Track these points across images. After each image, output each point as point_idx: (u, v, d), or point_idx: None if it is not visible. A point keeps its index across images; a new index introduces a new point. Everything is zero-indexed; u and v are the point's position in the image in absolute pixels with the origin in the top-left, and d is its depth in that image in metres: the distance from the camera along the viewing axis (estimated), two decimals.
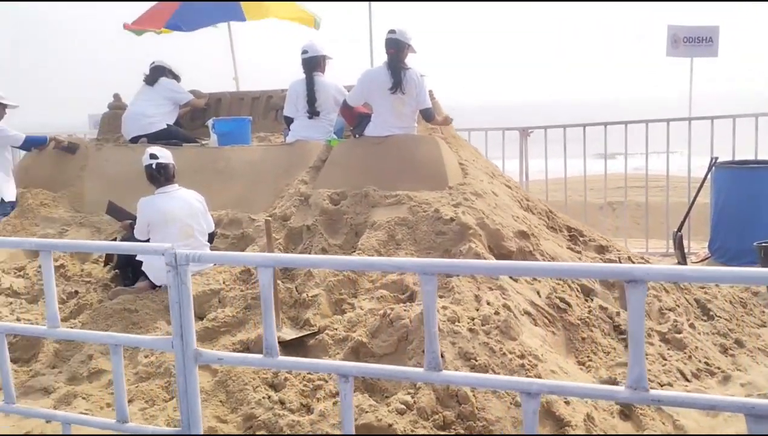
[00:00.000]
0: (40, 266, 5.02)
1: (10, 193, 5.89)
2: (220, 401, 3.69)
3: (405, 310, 4.01)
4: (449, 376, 2.03)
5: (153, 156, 4.75)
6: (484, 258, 4.56)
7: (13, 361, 4.25)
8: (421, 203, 5.01)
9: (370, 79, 5.43)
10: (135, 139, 6.41)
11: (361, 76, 5.51)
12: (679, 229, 6.86)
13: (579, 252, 5.49)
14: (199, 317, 4.54)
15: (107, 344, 2.41)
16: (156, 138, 6.36)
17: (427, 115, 5.65)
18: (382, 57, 5.45)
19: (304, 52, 5.94)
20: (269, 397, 3.60)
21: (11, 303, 4.72)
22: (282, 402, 3.58)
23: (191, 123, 7.04)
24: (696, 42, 9.30)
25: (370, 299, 4.35)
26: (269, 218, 4.21)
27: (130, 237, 4.92)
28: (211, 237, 4.97)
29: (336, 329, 4.08)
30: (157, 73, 6.57)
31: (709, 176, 7.05)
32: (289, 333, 4.11)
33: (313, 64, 5.95)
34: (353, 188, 5.30)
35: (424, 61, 5.69)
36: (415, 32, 5.58)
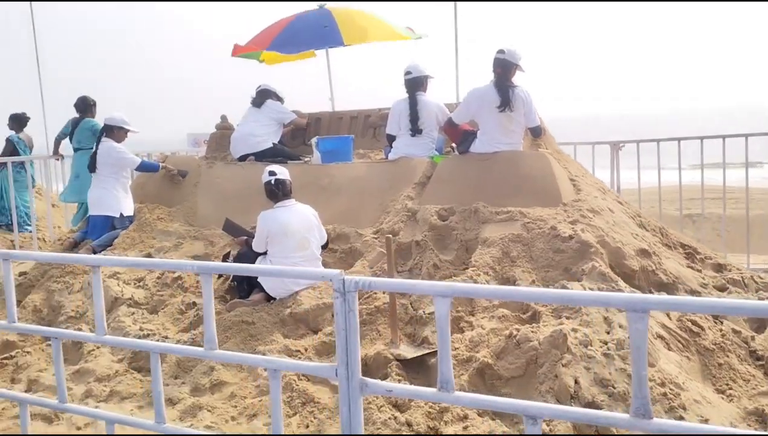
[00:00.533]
0: (158, 277, 5.07)
1: (128, 209, 6.03)
2: None
3: (533, 331, 3.74)
4: (662, 424, 1.71)
5: (272, 172, 4.74)
6: (609, 278, 4.24)
7: (137, 370, 4.25)
8: (535, 220, 4.74)
9: (478, 97, 5.26)
10: (243, 158, 6.46)
11: (468, 94, 5.35)
12: None
13: (699, 271, 5.04)
14: (314, 331, 4.42)
15: (267, 368, 2.25)
16: (263, 156, 6.38)
17: (536, 132, 5.43)
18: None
19: (408, 73, 5.85)
20: (395, 418, 3.40)
21: (133, 313, 4.75)
22: (409, 424, 3.36)
23: (292, 141, 7.05)
24: None
25: (490, 318, 4.11)
26: (390, 236, 4.06)
27: (245, 252, 4.89)
28: (325, 246, 4.89)
29: (457, 348, 3.84)
30: (264, 96, 6.64)
31: None
32: (409, 351, 3.91)
33: (416, 84, 5.85)
34: (461, 204, 5.10)
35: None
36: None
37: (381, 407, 3.49)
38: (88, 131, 7.52)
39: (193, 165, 6.44)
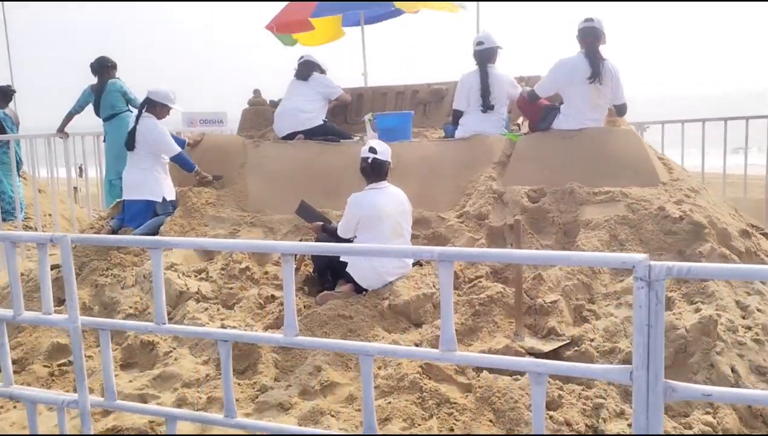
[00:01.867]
0: (223, 269, 4.72)
1: (171, 192, 5.60)
2: (490, 421, 3.28)
3: (677, 319, 3.57)
4: None
5: (372, 150, 4.40)
6: (732, 260, 4.11)
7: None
8: (639, 200, 4.57)
9: (569, 68, 5.04)
10: (290, 136, 6.09)
11: (556, 65, 5.12)
12: None
13: None
14: (415, 324, 4.16)
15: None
16: (312, 134, 6.04)
17: (622, 110, 5.27)
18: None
19: (479, 43, 5.56)
20: (550, 417, 3.19)
21: (207, 309, 4.39)
22: (568, 423, 3.16)
23: (332, 118, 6.69)
24: None
25: (618, 305, 3.92)
26: (519, 218, 3.80)
27: (324, 240, 4.56)
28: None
29: (593, 340, 3.65)
30: (309, 68, 6.26)
31: None
32: (541, 344, 3.69)
33: (488, 55, 5.58)
34: (551, 185, 4.89)
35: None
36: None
37: (530, 405, 3.27)
38: (118, 93, 6.98)
39: (237, 144, 6.03)
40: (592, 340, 3.65)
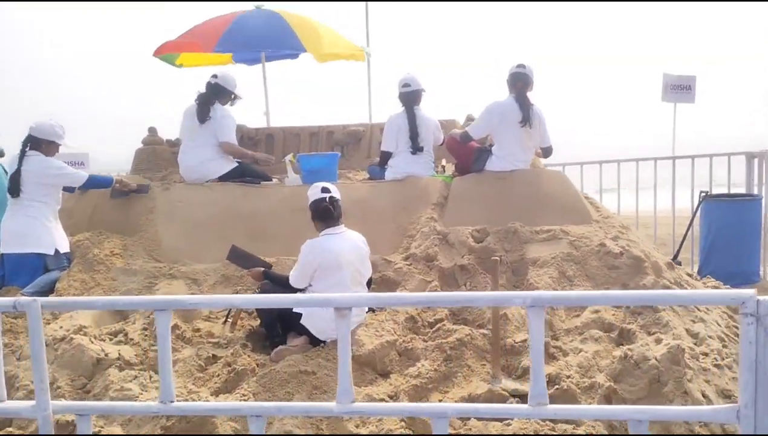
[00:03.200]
0: (144, 329, 4.21)
1: (64, 243, 4.90)
2: None
3: (647, 350, 3.72)
4: None
5: (325, 190, 4.16)
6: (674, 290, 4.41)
7: None
8: (580, 238, 4.78)
9: (500, 111, 5.24)
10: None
11: (488, 108, 5.29)
12: (674, 257, 6.99)
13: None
14: (381, 375, 3.95)
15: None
16: (228, 178, 5.64)
17: (548, 152, 5.56)
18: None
19: (406, 85, 5.62)
20: None
21: (136, 377, 3.82)
22: None
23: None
24: (678, 89, 10.01)
25: (583, 341, 4.01)
26: (497, 258, 3.77)
27: (270, 290, 4.21)
28: (369, 284, 4.39)
29: (570, 376, 3.68)
30: (208, 102, 5.62)
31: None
32: (525, 384, 3.64)
33: (414, 97, 5.65)
34: (492, 225, 4.98)
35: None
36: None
37: None
38: None
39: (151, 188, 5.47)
40: (569, 377, 3.68)
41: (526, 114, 5.21)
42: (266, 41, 6.63)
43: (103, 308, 3.57)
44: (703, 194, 7.32)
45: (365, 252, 4.23)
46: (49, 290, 4.64)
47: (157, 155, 6.31)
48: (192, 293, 4.67)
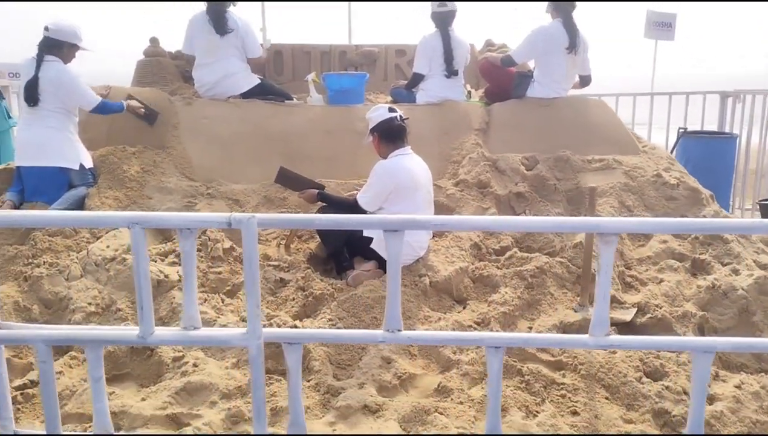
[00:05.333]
0: (199, 250, 3.86)
1: (87, 158, 4.36)
2: (606, 398, 3.10)
3: (734, 280, 3.74)
4: None
5: (392, 109, 3.85)
6: None
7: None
8: (633, 168, 4.71)
9: (547, 36, 4.99)
10: None
11: (535, 32, 5.03)
12: None
13: None
14: (458, 301, 3.80)
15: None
16: (249, 95, 5.16)
17: (587, 81, 5.37)
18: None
19: (442, 4, 5.25)
20: (667, 387, 3.12)
21: (206, 300, 3.49)
22: (686, 392, 3.11)
23: None
24: (660, 26, 10.08)
25: (660, 270, 3.99)
26: (594, 186, 3.61)
27: (330, 211, 3.93)
28: None
29: (660, 306, 3.65)
30: (222, 11, 5.06)
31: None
32: (623, 314, 3.59)
33: (449, 17, 5.29)
34: (537, 152, 4.83)
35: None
36: None
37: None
38: None
39: (161, 101, 4.89)
40: (659, 306, 3.65)
41: (573, 40, 5.00)
42: None
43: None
44: (682, 131, 7.45)
45: (430, 175, 4.00)
46: (77, 207, 4.15)
47: (162, 68, 5.70)
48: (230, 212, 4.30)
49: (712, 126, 8.04)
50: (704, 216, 4.39)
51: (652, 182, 4.59)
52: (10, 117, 5.84)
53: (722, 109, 7.75)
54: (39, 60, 4.17)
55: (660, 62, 9.74)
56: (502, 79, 5.28)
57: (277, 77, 6.01)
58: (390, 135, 3.82)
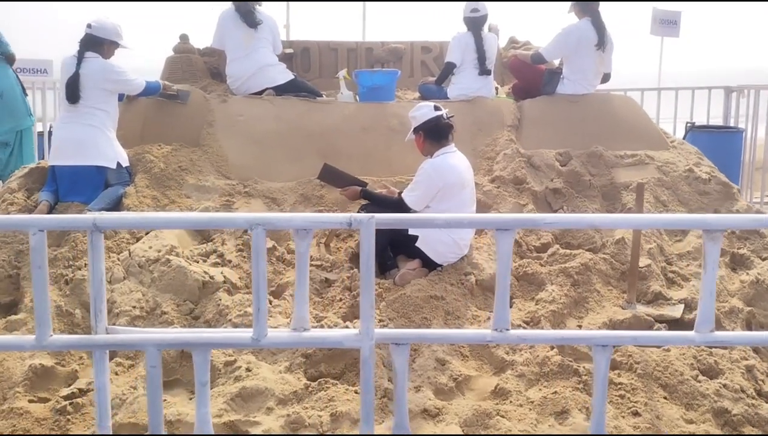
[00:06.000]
0: (240, 250, 3.72)
1: (125, 156, 4.21)
2: (664, 398, 2.97)
3: None
4: None
5: (437, 108, 3.71)
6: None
7: (318, 377, 3.03)
8: (666, 163, 4.59)
9: (578, 34, 4.89)
10: (256, 94, 4.99)
11: (566, 31, 4.94)
12: None
13: None
14: None
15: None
16: (283, 90, 5.02)
17: (608, 78, 5.26)
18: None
19: (474, 10, 5.17)
20: (724, 385, 2.99)
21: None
22: (743, 390, 2.99)
23: None
24: (665, 23, 9.93)
25: (700, 266, 3.84)
26: (642, 182, 3.48)
27: (373, 211, 3.77)
28: None
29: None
30: (249, 6, 5.03)
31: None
32: (672, 310, 3.47)
33: (482, 21, 5.21)
34: (570, 148, 4.69)
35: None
36: None
37: None
38: None
39: (196, 98, 4.75)
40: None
41: (602, 38, 4.88)
42: None
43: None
44: (690, 125, 7.34)
45: (472, 170, 3.86)
46: (114, 206, 4.00)
47: (192, 65, 5.52)
48: (269, 211, 4.15)
49: (717, 120, 7.91)
50: (737, 211, 4.26)
51: (684, 177, 4.48)
52: (31, 114, 5.67)
53: (726, 104, 7.63)
54: (80, 57, 4.04)
55: (666, 58, 9.57)
56: (531, 76, 5.16)
57: (304, 74, 5.84)
58: (436, 133, 3.69)
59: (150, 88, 4.33)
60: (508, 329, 1.56)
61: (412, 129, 3.80)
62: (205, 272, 3.47)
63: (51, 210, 3.96)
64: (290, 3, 6.72)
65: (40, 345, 1.43)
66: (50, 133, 6.45)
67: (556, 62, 5.31)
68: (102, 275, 1.44)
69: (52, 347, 1.45)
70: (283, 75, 5.07)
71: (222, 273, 3.51)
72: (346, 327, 3.17)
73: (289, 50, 5.79)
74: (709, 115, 7.93)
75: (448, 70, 5.23)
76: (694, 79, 9.64)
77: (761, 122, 7.10)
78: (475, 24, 5.18)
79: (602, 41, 4.88)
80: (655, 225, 1.57)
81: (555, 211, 4.29)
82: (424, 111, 3.73)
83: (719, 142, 7.11)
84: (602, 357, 1.61)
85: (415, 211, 3.69)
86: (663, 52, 9.75)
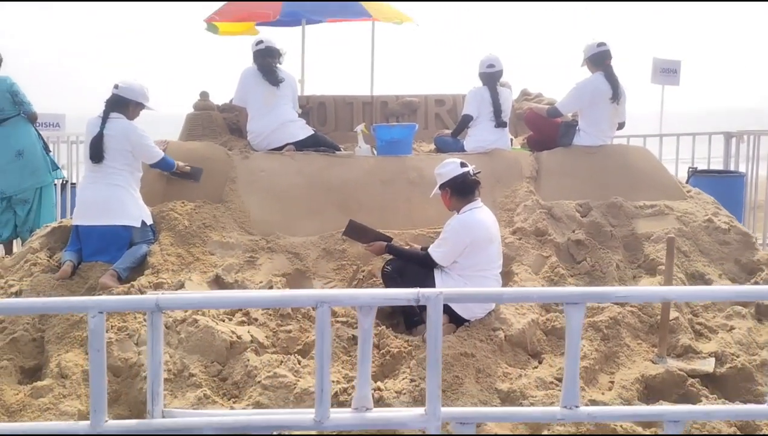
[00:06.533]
0: (267, 308, 3.65)
1: (148, 214, 4.19)
2: None
3: None
4: None
5: (464, 164, 3.71)
6: None
7: None
8: (685, 213, 4.56)
9: (592, 88, 4.95)
10: (277, 150, 5.02)
11: (580, 85, 5.00)
12: None
13: None
14: (532, 355, 3.58)
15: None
16: (303, 145, 5.04)
17: (622, 126, 5.29)
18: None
19: (490, 66, 5.24)
20: None
21: (282, 362, 3.26)
22: None
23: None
24: (666, 72, 10.07)
25: (727, 316, 3.80)
26: (673, 236, 3.44)
27: (400, 266, 3.73)
28: None
29: (737, 355, 3.44)
30: (273, 61, 5.14)
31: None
32: (701, 363, 3.38)
33: (498, 77, 5.28)
34: (589, 199, 4.67)
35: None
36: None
37: None
38: (7, 93, 5.12)
39: (218, 155, 4.75)
40: (735, 355, 3.44)
41: (616, 91, 4.93)
42: (331, 9, 6.00)
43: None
44: (692, 170, 7.37)
45: (497, 224, 3.83)
46: (139, 264, 3.95)
47: (212, 121, 5.56)
48: (297, 269, 4.11)
49: (717, 159, 7.94)
50: (758, 260, 4.21)
51: (704, 227, 4.44)
52: (57, 167, 5.68)
53: (726, 148, 7.67)
54: (105, 117, 4.06)
55: (666, 99, 9.68)
56: (546, 129, 5.19)
57: (320, 127, 5.88)
58: (463, 190, 3.68)
59: (166, 162, 4.29)
60: (578, 406, 1.50)
61: (437, 185, 3.79)
62: (233, 332, 3.40)
63: (75, 270, 3.91)
64: (305, 58, 6.80)
65: (95, 432, 1.37)
66: (63, 185, 6.48)
67: (569, 114, 5.35)
68: (161, 357, 1.39)
69: (107, 433, 1.38)
70: (304, 131, 5.11)
71: (249, 332, 3.45)
72: (398, 395, 3.08)
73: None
74: (710, 158, 7.98)
75: (465, 122, 5.27)
76: (693, 120, 9.74)
77: (761, 162, 7.14)
78: (491, 79, 5.25)
79: (616, 94, 4.93)
80: (728, 297, 1.52)
81: (578, 263, 4.24)
82: (451, 168, 3.73)
83: (721, 186, 7.11)
84: (674, 431, 1.54)
85: (441, 266, 3.65)
86: (664, 98, 9.86)
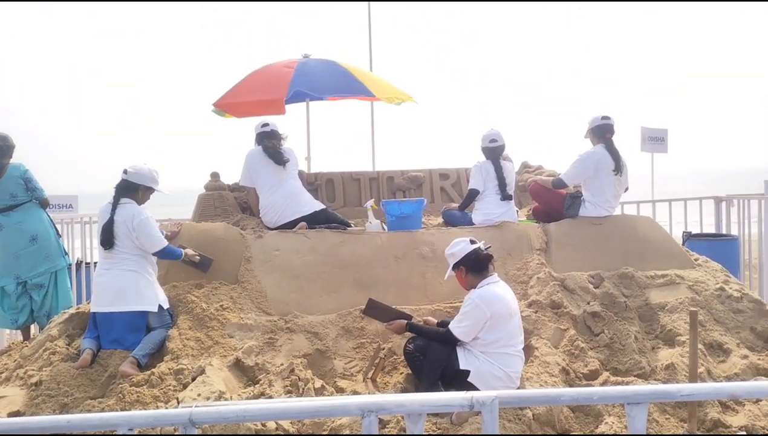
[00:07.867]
0: (289, 392, 3.54)
1: (164, 297, 4.10)
2: None
3: None
4: None
5: (473, 241, 3.70)
6: None
7: None
8: (696, 282, 4.53)
9: (595, 160, 5.01)
10: (290, 225, 4.99)
11: (583, 158, 5.07)
12: None
13: None
14: (561, 433, 3.45)
15: None
16: (315, 220, 5.02)
17: (626, 190, 5.32)
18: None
19: (493, 140, 5.33)
20: None
21: None
22: None
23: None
24: (654, 141, 10.30)
25: None
26: (695, 310, 3.40)
27: (421, 344, 3.65)
28: None
29: (765, 427, 3.33)
30: (277, 142, 5.21)
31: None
32: None
33: (500, 151, 5.35)
34: (598, 270, 4.64)
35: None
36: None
37: None
38: (20, 179, 5.08)
39: (232, 235, 4.71)
40: (766, 428, 3.34)
41: (618, 163, 5.01)
42: (334, 87, 6.13)
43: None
44: (686, 234, 7.42)
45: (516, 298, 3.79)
46: (158, 350, 3.83)
47: (224, 201, 5.55)
48: (317, 349, 4.00)
49: (709, 222, 8.00)
50: None
51: (716, 296, 4.41)
52: (66, 254, 5.59)
53: (717, 212, 7.76)
54: (115, 203, 4.01)
55: (655, 164, 9.83)
56: (552, 200, 5.22)
57: (329, 204, 5.88)
58: (478, 266, 3.65)
59: (170, 252, 4.17)
60: None
61: (450, 266, 3.76)
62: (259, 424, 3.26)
63: (94, 358, 3.78)
64: (310, 135, 6.89)
65: None
66: (78, 265, 6.38)
67: (571, 186, 5.40)
68: None
69: None
70: (312, 204, 5.11)
71: (275, 421, 3.30)
72: None
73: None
74: (702, 221, 8.04)
75: (472, 196, 5.29)
76: (684, 183, 9.90)
77: (751, 223, 7.21)
78: (494, 153, 5.32)
79: (618, 167, 5.00)
80: None
81: (597, 335, 4.16)
82: (461, 246, 3.71)
83: (717, 249, 7.14)
84: None
85: (462, 342, 3.57)
86: (654, 163, 10.02)
